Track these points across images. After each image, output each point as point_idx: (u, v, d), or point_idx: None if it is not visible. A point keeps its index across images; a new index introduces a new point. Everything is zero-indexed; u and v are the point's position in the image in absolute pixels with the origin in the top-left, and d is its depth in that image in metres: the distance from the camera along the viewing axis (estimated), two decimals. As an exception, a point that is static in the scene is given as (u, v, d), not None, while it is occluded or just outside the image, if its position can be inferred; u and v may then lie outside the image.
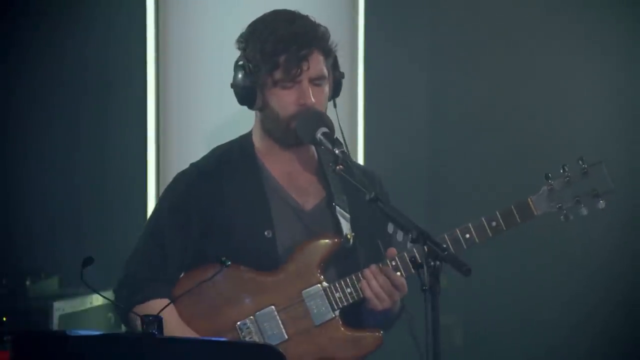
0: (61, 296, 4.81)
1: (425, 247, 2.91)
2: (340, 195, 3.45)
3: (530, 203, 3.38)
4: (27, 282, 4.80)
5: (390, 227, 3.21)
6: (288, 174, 3.48)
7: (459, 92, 5.61)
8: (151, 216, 3.58)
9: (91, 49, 5.43)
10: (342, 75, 3.45)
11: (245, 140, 3.52)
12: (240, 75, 3.41)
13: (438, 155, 5.67)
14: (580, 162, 3.37)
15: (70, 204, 5.41)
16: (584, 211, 3.37)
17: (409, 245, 3.16)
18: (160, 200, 3.58)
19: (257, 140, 3.50)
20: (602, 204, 3.36)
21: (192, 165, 3.53)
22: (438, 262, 2.88)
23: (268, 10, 3.45)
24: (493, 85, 5.57)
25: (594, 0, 5.48)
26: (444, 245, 3.01)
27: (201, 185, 3.46)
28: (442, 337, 2.85)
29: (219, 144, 3.60)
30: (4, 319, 4.65)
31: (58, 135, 5.46)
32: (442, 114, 5.67)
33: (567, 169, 3.38)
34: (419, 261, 2.90)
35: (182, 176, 3.52)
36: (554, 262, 5.37)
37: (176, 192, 3.50)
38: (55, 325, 4.65)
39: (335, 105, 3.46)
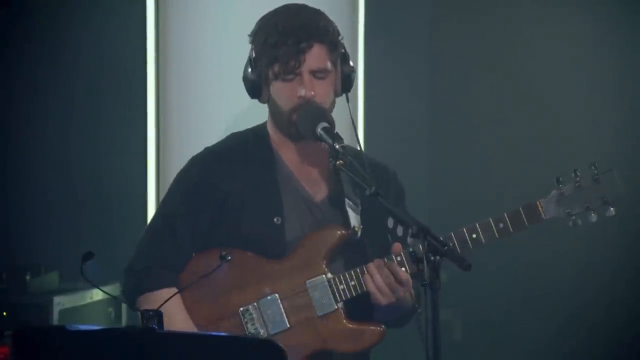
0: (61, 291, 4.80)
1: (425, 242, 2.90)
2: (351, 189, 3.45)
3: (539, 207, 3.34)
4: (27, 277, 4.78)
5: (391, 222, 3.21)
6: (301, 163, 3.48)
7: (460, 91, 5.60)
8: (163, 200, 3.58)
9: (91, 49, 5.44)
10: (351, 69, 3.44)
11: (260, 129, 3.53)
12: (248, 69, 3.43)
13: (438, 155, 5.67)
14: (593, 167, 3.32)
15: (70, 200, 5.41)
16: (593, 218, 3.33)
17: (409, 240, 3.16)
18: (172, 185, 3.56)
19: (271, 131, 3.51)
20: (612, 211, 3.32)
21: (206, 149, 3.54)
22: (438, 257, 2.87)
23: (268, 11, 3.46)
24: (494, 84, 5.57)
25: (596, 1, 5.48)
26: (445, 241, 3.00)
27: (214, 169, 3.47)
28: (441, 331, 2.84)
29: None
30: (4, 313, 4.64)
31: (58, 134, 5.46)
32: (443, 113, 5.67)
33: (578, 174, 3.33)
34: (419, 256, 2.90)
35: (195, 160, 3.52)
36: (554, 257, 5.36)
37: (188, 177, 3.50)
38: (55, 320, 4.64)
39: (348, 100, 3.46)
